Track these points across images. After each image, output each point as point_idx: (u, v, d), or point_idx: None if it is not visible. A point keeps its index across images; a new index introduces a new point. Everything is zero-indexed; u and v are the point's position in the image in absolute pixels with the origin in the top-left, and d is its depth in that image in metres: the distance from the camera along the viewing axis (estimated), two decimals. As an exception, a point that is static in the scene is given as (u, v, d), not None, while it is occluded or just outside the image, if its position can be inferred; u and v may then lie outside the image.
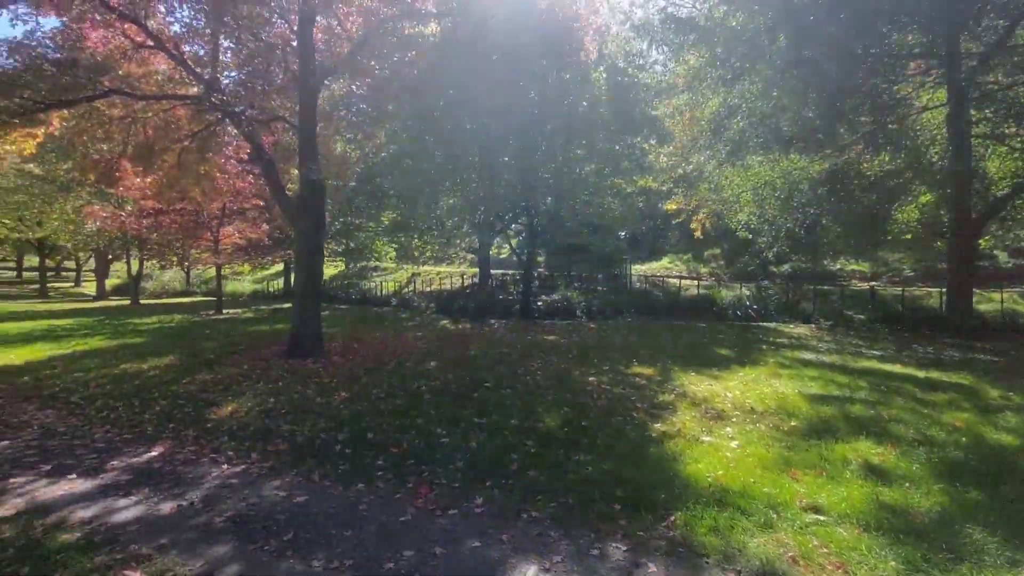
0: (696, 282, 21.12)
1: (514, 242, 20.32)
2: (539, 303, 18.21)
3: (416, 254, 27.95)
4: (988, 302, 15.70)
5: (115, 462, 4.97)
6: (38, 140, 11.36)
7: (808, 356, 9.92)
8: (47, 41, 9.87)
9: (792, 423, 5.69)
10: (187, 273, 39.67)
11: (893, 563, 3.07)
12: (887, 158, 14.79)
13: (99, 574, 3.06)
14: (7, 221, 28.99)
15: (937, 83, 13.96)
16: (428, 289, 26.49)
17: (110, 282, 37.65)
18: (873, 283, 19.57)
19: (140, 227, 20.64)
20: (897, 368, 8.82)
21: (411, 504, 3.94)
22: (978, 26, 12.51)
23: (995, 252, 20.52)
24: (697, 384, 7.45)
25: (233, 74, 12.66)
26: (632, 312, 17.51)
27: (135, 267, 31.50)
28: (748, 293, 18.51)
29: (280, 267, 34.32)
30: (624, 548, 3.29)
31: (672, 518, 3.61)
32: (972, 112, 13.34)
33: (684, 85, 17.52)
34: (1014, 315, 14.60)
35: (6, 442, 5.66)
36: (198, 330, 15.09)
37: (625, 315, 17.26)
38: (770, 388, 7.20)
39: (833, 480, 4.21)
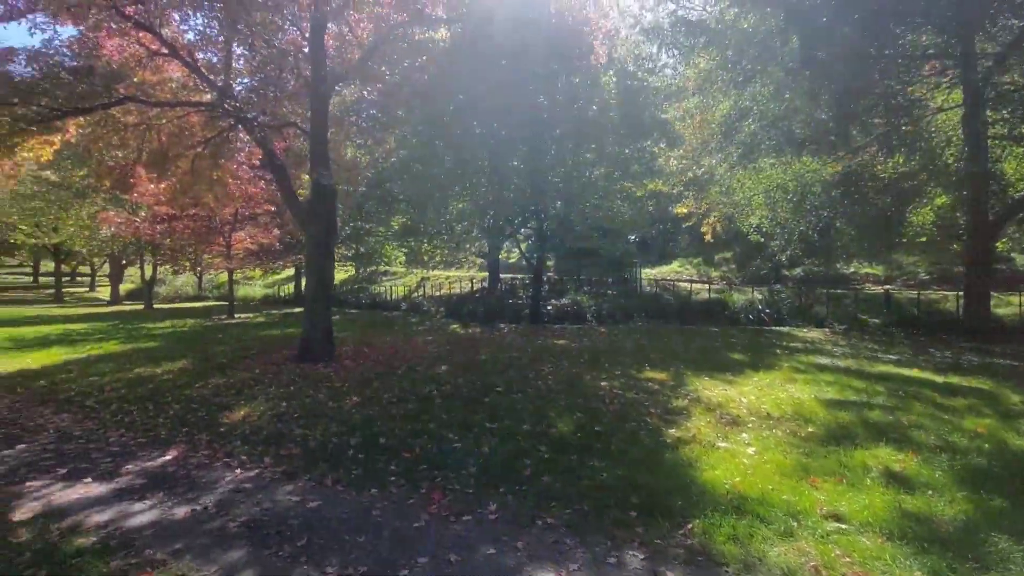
0: (707, 286, 20.92)
1: (523, 246, 20.25)
2: (549, 307, 18.14)
3: (426, 258, 27.95)
4: (1006, 306, 15.38)
5: (130, 466, 5.01)
6: (55, 147, 11.52)
7: (823, 360, 9.78)
8: (64, 49, 10.05)
9: (809, 429, 5.59)
10: (199, 278, 40.00)
11: (918, 573, 2.99)
12: (901, 160, 14.61)
13: (115, 578, 3.06)
14: (24, 227, 29.59)
15: (952, 84, 13.75)
16: (438, 293, 26.54)
17: (124, 287, 38.10)
18: (888, 286, 19.24)
19: (154, 232, 20.89)
20: (914, 373, 8.67)
21: (424, 510, 3.91)
22: (993, 26, 12.35)
23: (1012, 255, 20.14)
24: (711, 389, 7.36)
25: (246, 81, 12.87)
26: (643, 316, 17.39)
27: (148, 272, 31.92)
28: (760, 297, 18.30)
29: (291, 272, 34.49)
30: (642, 556, 3.24)
31: (690, 525, 3.54)
32: (988, 113, 13.16)
33: (694, 88, 17.44)
34: (1033, 319, 14.27)
35: (23, 445, 5.73)
36: (210, 334, 15.21)
37: (635, 319, 17.14)
38: (785, 393, 7.09)
39: (854, 487, 4.11)
